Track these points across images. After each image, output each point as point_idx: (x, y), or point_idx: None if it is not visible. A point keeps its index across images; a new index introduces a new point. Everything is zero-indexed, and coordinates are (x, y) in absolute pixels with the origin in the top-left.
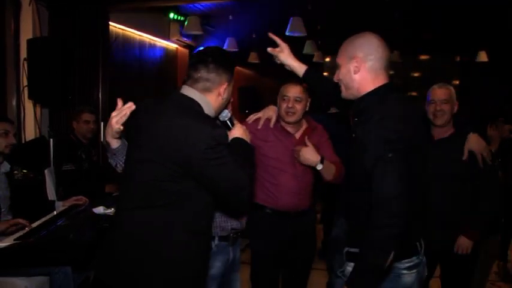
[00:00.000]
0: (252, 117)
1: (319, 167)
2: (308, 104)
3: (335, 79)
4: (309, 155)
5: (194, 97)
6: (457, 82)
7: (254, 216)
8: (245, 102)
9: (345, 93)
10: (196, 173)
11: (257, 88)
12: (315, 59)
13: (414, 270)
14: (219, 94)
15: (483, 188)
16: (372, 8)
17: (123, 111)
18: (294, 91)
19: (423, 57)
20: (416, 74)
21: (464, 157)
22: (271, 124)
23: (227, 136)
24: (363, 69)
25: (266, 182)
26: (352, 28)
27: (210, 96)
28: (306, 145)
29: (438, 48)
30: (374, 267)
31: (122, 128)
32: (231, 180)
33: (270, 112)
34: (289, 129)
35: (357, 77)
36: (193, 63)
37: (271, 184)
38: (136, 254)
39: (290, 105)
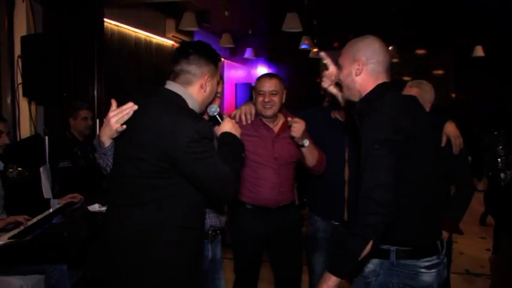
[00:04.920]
0: (236, 116)
1: (306, 142)
2: (284, 96)
3: (336, 79)
4: (302, 125)
5: (177, 91)
6: (454, 77)
7: (234, 212)
8: (242, 97)
9: (345, 94)
10: (181, 167)
11: (253, 84)
12: (311, 55)
13: (434, 270)
14: (201, 87)
15: (458, 177)
16: (368, 3)
17: (124, 110)
18: (268, 85)
19: (420, 52)
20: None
21: (443, 143)
22: (252, 117)
23: (211, 129)
24: (364, 71)
25: (247, 177)
26: (349, 24)
27: (192, 89)
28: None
29: (435, 43)
30: (351, 253)
31: (124, 127)
32: (215, 174)
33: (248, 107)
34: (268, 123)
35: (358, 79)
36: (174, 57)
37: (252, 178)
38: (129, 252)
39: (267, 100)
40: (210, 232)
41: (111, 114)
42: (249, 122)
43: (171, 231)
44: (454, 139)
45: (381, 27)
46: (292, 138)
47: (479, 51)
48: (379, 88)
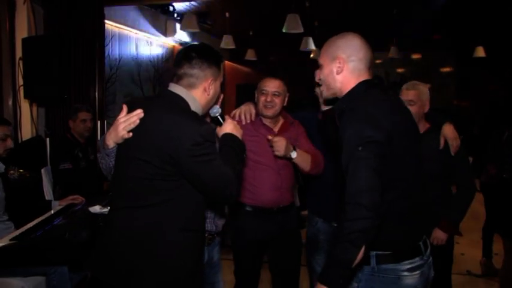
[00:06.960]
0: (236, 114)
1: (294, 154)
2: (286, 99)
3: (316, 79)
4: (283, 143)
5: (180, 93)
6: (455, 78)
7: (235, 213)
8: (243, 99)
9: (326, 93)
10: (183, 169)
11: (255, 85)
12: (312, 56)
13: (417, 272)
14: (205, 90)
15: (457, 178)
16: (369, 4)
17: (132, 118)
18: (272, 85)
19: (420, 53)
20: (413, 70)
21: (441, 146)
22: (252, 118)
23: (214, 132)
24: (345, 69)
25: (246, 177)
26: (350, 25)
27: (195, 92)
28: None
29: (435, 43)
30: (343, 261)
31: (130, 134)
32: (217, 177)
33: (248, 107)
34: (268, 123)
35: (339, 77)
36: (177, 60)
37: (251, 179)
38: (130, 254)
39: (269, 99)
40: (206, 235)
41: (120, 120)
42: (248, 121)
43: (173, 233)
44: (452, 141)
45: (382, 28)
46: (278, 156)
47: (480, 52)
48: (361, 86)
